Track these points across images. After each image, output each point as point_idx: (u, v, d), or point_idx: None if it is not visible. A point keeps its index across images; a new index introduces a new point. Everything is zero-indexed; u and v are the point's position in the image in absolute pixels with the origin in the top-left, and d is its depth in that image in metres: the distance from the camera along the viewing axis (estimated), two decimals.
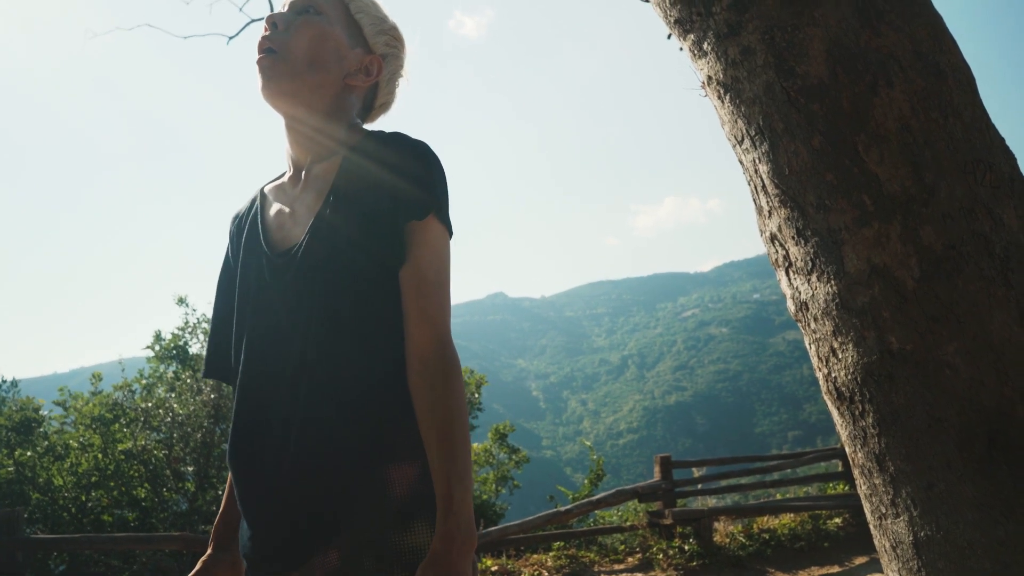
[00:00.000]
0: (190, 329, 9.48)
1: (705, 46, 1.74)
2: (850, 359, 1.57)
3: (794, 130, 1.60)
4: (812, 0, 1.59)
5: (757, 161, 1.70)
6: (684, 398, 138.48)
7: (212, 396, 8.63)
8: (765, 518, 7.11)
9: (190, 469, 8.69)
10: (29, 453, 8.46)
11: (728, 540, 6.69)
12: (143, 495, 8.62)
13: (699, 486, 7.37)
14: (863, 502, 1.66)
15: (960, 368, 1.43)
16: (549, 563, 6.32)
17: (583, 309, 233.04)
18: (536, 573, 6.12)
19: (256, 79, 1.22)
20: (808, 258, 1.63)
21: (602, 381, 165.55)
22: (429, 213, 1.12)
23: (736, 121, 1.73)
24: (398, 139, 1.17)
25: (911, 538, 1.49)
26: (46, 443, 8.78)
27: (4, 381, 11.26)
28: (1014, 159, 1.59)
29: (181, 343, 9.41)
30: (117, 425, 8.72)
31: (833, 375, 1.63)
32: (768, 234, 1.75)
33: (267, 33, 1.23)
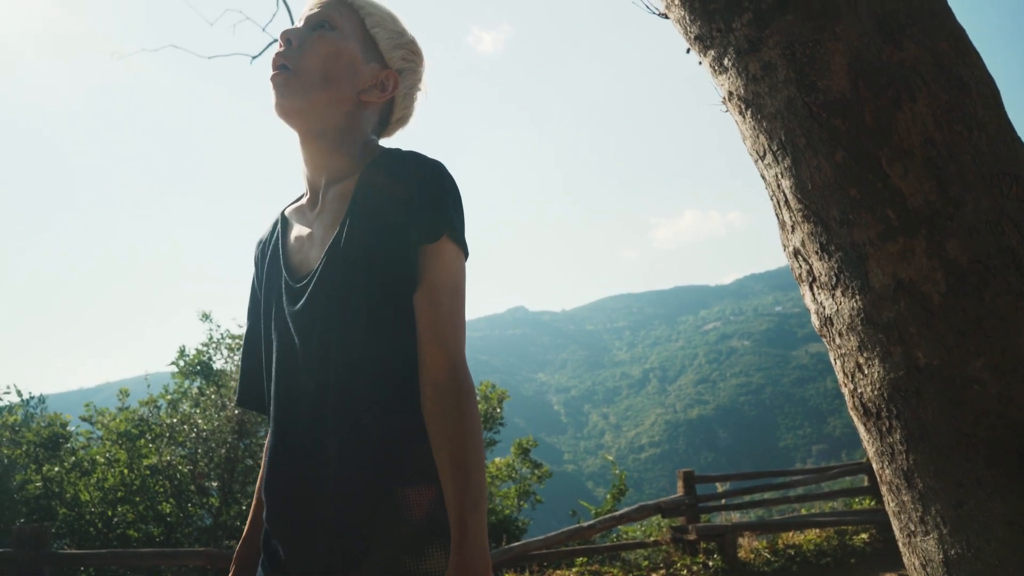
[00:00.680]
0: (214, 345, 9.58)
1: (726, 62, 1.74)
2: (876, 375, 1.55)
3: (816, 145, 1.59)
4: (833, 15, 1.59)
5: (779, 176, 1.70)
6: (706, 412, 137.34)
7: (236, 412, 8.70)
8: (790, 533, 7.03)
9: (214, 484, 8.76)
10: (57, 468, 8.57)
11: (753, 556, 6.61)
12: (168, 510, 8.69)
13: (723, 501, 7.30)
14: (892, 519, 1.64)
15: (988, 383, 1.41)
16: None
17: (604, 322, 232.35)
18: None
19: (270, 96, 1.21)
20: (832, 273, 1.62)
21: (623, 395, 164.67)
22: (442, 235, 1.11)
23: (758, 136, 1.73)
24: (412, 159, 1.16)
25: (941, 556, 1.47)
26: (73, 459, 8.88)
27: (32, 397, 11.42)
28: None
29: (205, 359, 9.51)
30: (143, 440, 8.81)
31: (859, 391, 1.61)
32: (791, 249, 1.75)
33: (281, 49, 1.22)
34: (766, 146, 1.71)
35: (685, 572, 6.37)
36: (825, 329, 1.70)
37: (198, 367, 9.45)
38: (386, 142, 1.35)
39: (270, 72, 1.22)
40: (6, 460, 8.98)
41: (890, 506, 1.61)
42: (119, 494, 8.54)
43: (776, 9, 1.63)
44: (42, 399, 10.73)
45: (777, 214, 1.78)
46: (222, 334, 9.66)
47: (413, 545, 1.05)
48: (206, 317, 9.60)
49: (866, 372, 1.58)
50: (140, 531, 8.56)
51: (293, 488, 1.14)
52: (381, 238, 1.11)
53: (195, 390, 9.49)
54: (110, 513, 8.54)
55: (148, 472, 8.61)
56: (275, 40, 6.63)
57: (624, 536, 7.65)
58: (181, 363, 9.49)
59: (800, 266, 1.73)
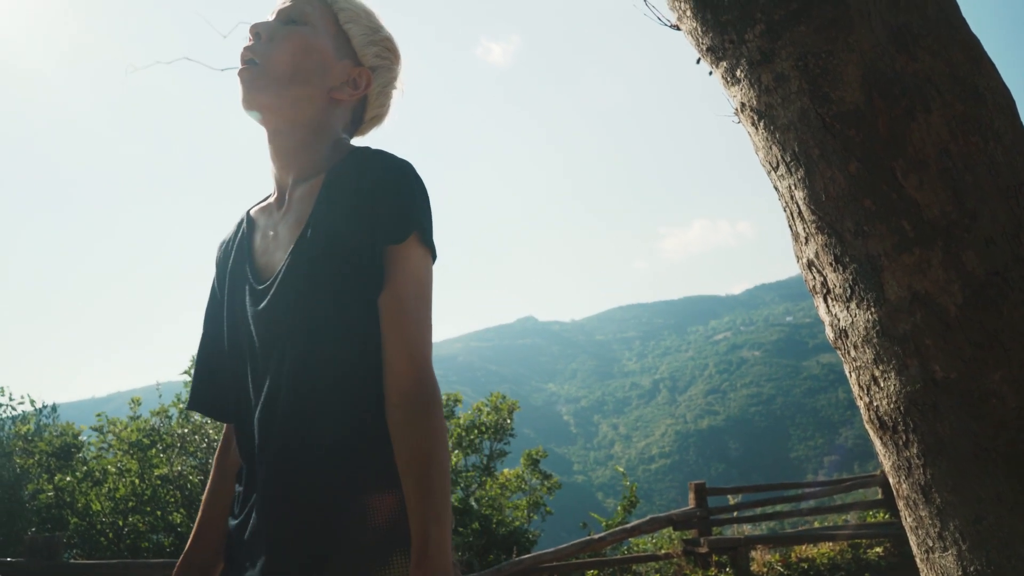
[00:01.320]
0: None
1: (738, 73, 1.74)
2: (892, 388, 1.54)
3: (830, 156, 1.58)
4: (846, 26, 1.58)
5: (793, 188, 1.69)
6: (717, 422, 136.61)
7: None
8: (803, 547, 6.96)
9: None
10: (68, 478, 8.60)
11: (766, 570, 6.55)
12: (179, 520, 8.70)
13: (735, 514, 7.25)
14: (909, 534, 1.62)
15: (1007, 397, 1.40)
16: None
17: (613, 333, 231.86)
18: None
19: (237, 91, 1.17)
20: (847, 285, 1.61)
21: (633, 405, 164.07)
22: (409, 235, 1.07)
23: (771, 148, 1.72)
24: (379, 158, 1.12)
25: (960, 573, 1.44)
26: (85, 468, 8.92)
27: (45, 406, 11.49)
28: None
29: None
30: (154, 450, 8.84)
31: (875, 404, 1.60)
32: (805, 260, 1.74)
33: (250, 43, 1.19)
34: (779, 157, 1.70)
35: None
36: (840, 341, 1.69)
37: None
38: (360, 141, 1.31)
39: (238, 67, 1.18)
40: (19, 469, 9.03)
41: (907, 521, 1.59)
42: (130, 504, 8.56)
43: (789, 20, 1.63)
44: (54, 408, 10.79)
45: (790, 225, 1.77)
46: None
47: (376, 553, 1.01)
48: None
49: (882, 385, 1.57)
50: (151, 541, 8.58)
51: (254, 492, 1.11)
52: (345, 239, 1.08)
53: None
54: (121, 523, 8.56)
55: (159, 482, 8.63)
56: None
57: (635, 549, 7.60)
58: (193, 372, 9.52)
59: (814, 278, 1.71)
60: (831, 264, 1.64)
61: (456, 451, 12.33)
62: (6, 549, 7.85)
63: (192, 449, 8.84)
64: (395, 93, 1.33)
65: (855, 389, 1.70)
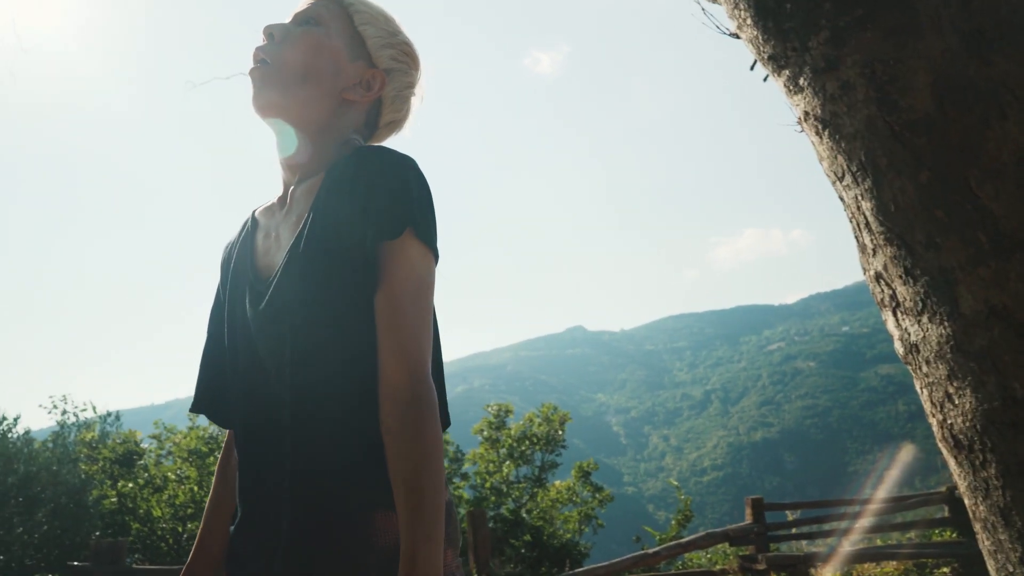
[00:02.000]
0: None
1: (801, 81, 1.70)
2: (968, 405, 1.48)
3: (899, 166, 1.54)
4: (915, 31, 1.54)
5: (859, 198, 1.64)
6: (771, 434, 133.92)
7: None
8: (866, 565, 6.75)
9: None
10: (131, 485, 8.85)
11: None
12: None
13: (793, 530, 7.07)
14: (987, 558, 1.55)
15: None
16: None
17: (663, 342, 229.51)
18: None
19: (248, 91, 1.16)
20: (918, 298, 1.55)
21: (684, 416, 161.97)
22: (404, 231, 1.01)
23: (836, 157, 1.68)
24: (377, 153, 1.07)
25: None
26: (146, 475, 9.16)
27: (108, 414, 11.86)
28: None
29: None
30: (212, 458, 9.03)
31: (949, 422, 1.54)
32: (872, 272, 1.69)
33: (262, 44, 1.18)
34: (845, 167, 1.66)
35: None
36: (910, 356, 1.63)
37: None
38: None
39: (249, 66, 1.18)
40: (83, 476, 9.33)
41: (985, 544, 1.53)
42: (189, 511, 8.76)
43: (855, 26, 1.58)
44: (117, 416, 11.13)
45: (857, 236, 1.72)
46: None
47: (381, 573, 0.97)
48: None
49: (956, 402, 1.51)
50: None
51: (257, 504, 1.08)
52: (340, 235, 1.03)
53: None
54: (180, 529, 8.77)
55: None
56: None
57: (690, 564, 7.47)
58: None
59: (882, 291, 1.66)
60: (901, 277, 1.58)
61: (507, 462, 12.32)
62: (72, 553, 8.11)
63: None
64: (414, 101, 1.30)
65: (927, 406, 1.64)
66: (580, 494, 11.29)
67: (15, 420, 9.82)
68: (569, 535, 10.31)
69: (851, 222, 1.73)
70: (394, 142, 1.30)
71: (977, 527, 1.54)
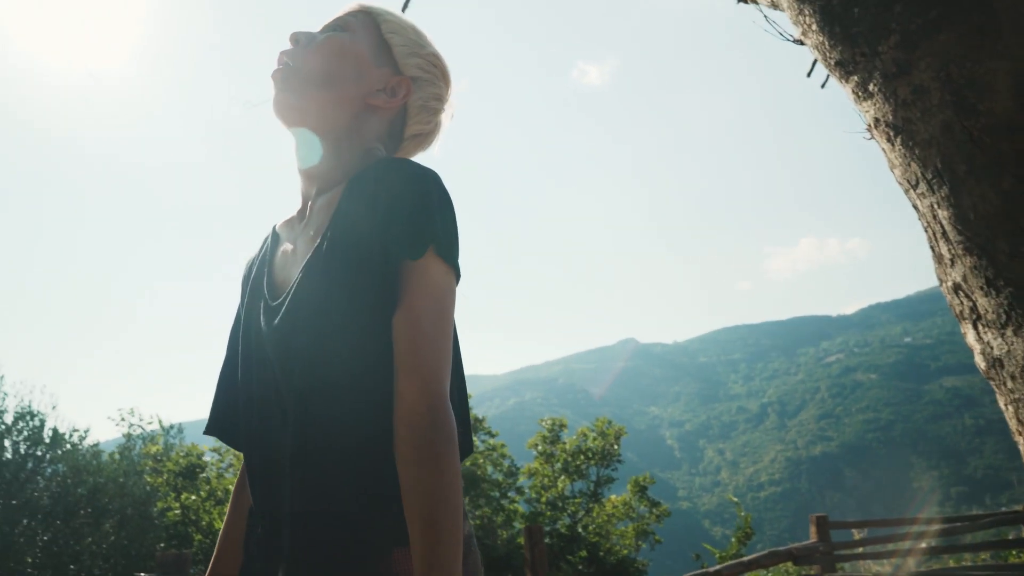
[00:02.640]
0: None
1: (871, 87, 1.65)
2: None
3: (979, 172, 1.47)
4: (993, 32, 1.47)
5: (935, 206, 1.58)
6: (830, 449, 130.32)
7: None
8: None
9: None
10: (193, 497, 9.05)
11: None
12: None
13: (860, 549, 6.83)
14: None
15: None
16: None
17: (717, 354, 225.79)
18: None
19: (270, 95, 1.14)
20: (1001, 311, 1.48)
21: (740, 430, 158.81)
22: (426, 250, 0.96)
23: (909, 164, 1.62)
24: (398, 166, 1.02)
25: None
26: (208, 487, 9.36)
27: (172, 427, 12.18)
28: None
29: None
30: None
31: None
32: (951, 284, 1.62)
33: (287, 48, 1.17)
34: (919, 174, 1.60)
35: None
36: (993, 371, 1.55)
37: None
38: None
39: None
40: (148, 487, 9.58)
41: None
42: None
43: (927, 29, 1.53)
44: (180, 429, 11.42)
45: (933, 246, 1.65)
46: None
47: None
48: None
49: None
50: None
51: (266, 535, 1.04)
52: (359, 251, 0.99)
53: None
54: None
55: None
56: None
57: None
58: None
59: (962, 302, 1.59)
60: (982, 288, 1.51)
61: (563, 477, 12.22)
62: (138, 564, 8.31)
63: None
64: (444, 118, 1.26)
65: (1012, 423, 1.56)
66: (636, 509, 11.13)
67: (85, 432, 10.17)
68: (626, 551, 10.16)
69: (926, 232, 1.66)
70: (422, 160, 1.25)
71: None
